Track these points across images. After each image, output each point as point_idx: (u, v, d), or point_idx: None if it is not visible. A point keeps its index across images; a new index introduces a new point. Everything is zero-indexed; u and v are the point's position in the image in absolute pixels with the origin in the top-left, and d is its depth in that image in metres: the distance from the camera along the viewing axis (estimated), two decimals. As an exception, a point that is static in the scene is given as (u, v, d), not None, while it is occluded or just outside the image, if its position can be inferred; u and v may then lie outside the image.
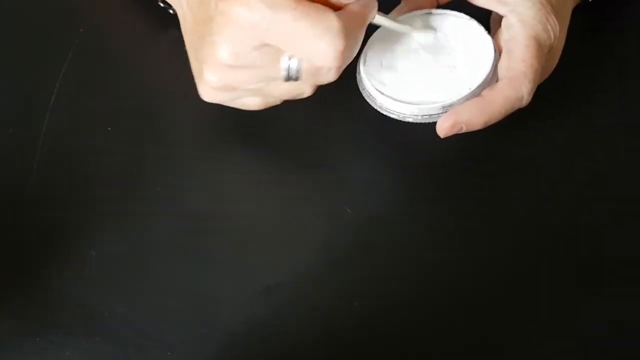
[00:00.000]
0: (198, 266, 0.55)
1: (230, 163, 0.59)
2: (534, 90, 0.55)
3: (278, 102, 0.56)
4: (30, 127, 0.61)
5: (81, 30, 0.65)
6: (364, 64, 0.57)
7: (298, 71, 0.51)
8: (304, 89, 0.53)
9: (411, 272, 0.55)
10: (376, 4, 0.53)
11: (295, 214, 0.57)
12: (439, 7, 0.59)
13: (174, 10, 0.61)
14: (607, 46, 0.63)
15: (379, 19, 0.54)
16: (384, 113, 0.56)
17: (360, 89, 0.57)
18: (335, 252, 0.55)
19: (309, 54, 0.49)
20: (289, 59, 0.50)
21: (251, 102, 0.55)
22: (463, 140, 0.58)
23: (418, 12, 0.58)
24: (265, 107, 0.56)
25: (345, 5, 0.51)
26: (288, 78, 0.51)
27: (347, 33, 0.49)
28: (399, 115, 0.55)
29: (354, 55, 0.52)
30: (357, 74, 0.57)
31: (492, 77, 0.56)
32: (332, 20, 0.49)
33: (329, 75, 0.51)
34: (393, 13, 0.59)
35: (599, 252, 0.55)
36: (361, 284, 0.54)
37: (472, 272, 0.54)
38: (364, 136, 0.59)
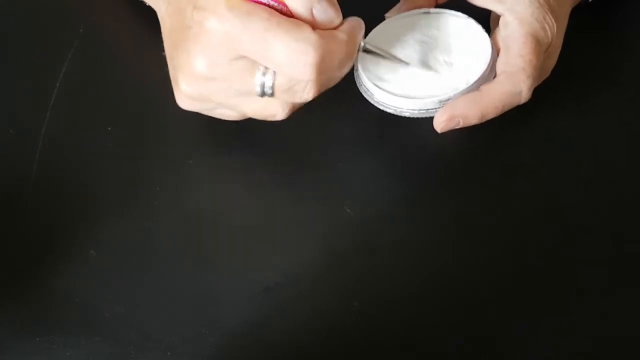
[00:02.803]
0: (198, 266, 0.55)
1: (230, 163, 0.59)
2: (534, 86, 0.55)
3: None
4: (30, 127, 0.61)
5: (81, 30, 0.65)
6: (362, 59, 0.57)
7: (272, 87, 0.50)
8: (276, 110, 0.52)
9: (411, 272, 0.55)
10: (363, 28, 0.52)
11: (295, 214, 0.57)
12: (437, 6, 0.59)
13: (148, 3, 0.61)
14: (606, 46, 0.63)
15: (373, 48, 0.54)
16: (381, 108, 0.56)
17: (358, 85, 0.57)
18: (335, 252, 0.55)
19: (281, 65, 0.49)
20: (264, 74, 0.50)
21: (228, 113, 0.55)
22: (463, 141, 0.58)
23: (416, 11, 0.58)
24: (242, 118, 0.55)
25: (329, 21, 0.50)
26: (262, 93, 0.51)
27: (326, 50, 0.48)
28: (395, 110, 0.55)
29: (339, 76, 0.51)
30: (354, 70, 0.57)
31: (490, 74, 0.56)
32: (305, 31, 0.48)
33: (305, 94, 0.50)
34: (391, 12, 0.59)
35: (600, 252, 0.55)
36: (361, 284, 0.54)
37: (472, 272, 0.54)
38: (364, 136, 0.59)
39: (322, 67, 0.49)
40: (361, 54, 0.55)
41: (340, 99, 0.58)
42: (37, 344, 0.53)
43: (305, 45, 0.48)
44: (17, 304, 0.54)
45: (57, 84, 0.62)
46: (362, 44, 0.53)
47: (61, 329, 0.53)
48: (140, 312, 0.53)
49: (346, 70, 0.52)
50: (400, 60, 0.56)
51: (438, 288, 0.54)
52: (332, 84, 0.51)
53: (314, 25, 0.49)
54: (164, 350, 0.52)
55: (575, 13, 0.59)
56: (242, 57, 0.49)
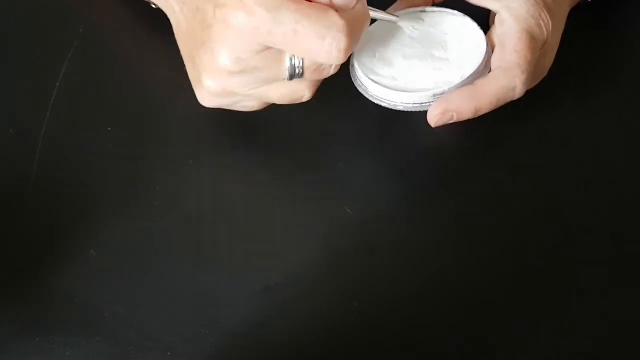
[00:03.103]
0: (198, 266, 0.55)
1: (230, 163, 0.59)
2: (528, 82, 0.55)
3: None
4: (30, 127, 0.61)
5: (81, 30, 0.65)
6: (358, 55, 0.57)
7: (301, 68, 0.51)
8: (304, 92, 0.53)
9: (411, 272, 0.55)
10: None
11: (295, 214, 0.57)
12: (434, 5, 0.59)
13: (156, 5, 0.61)
14: (606, 46, 0.63)
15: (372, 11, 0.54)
16: (376, 102, 0.56)
17: (353, 80, 0.57)
18: (335, 252, 0.55)
19: (313, 54, 0.49)
20: (292, 58, 0.50)
21: (250, 105, 0.55)
22: (463, 141, 0.58)
23: (413, 9, 0.58)
24: (264, 107, 0.56)
25: (346, 6, 0.50)
26: (292, 76, 0.51)
27: (353, 31, 0.49)
28: (389, 104, 0.56)
29: (354, 47, 0.52)
30: (350, 66, 0.57)
31: (485, 70, 0.56)
32: (334, 18, 0.49)
33: (332, 69, 0.52)
34: (389, 11, 0.59)
35: (600, 252, 0.55)
36: (361, 284, 0.54)
37: (473, 272, 0.54)
38: (364, 136, 0.60)
39: (351, 50, 0.50)
40: (355, 57, 0.56)
41: (340, 99, 0.58)
42: (37, 344, 0.53)
43: (336, 33, 0.49)
44: (17, 304, 0.54)
45: (57, 84, 0.62)
46: None
47: (61, 329, 0.53)
48: (140, 312, 0.53)
49: (359, 39, 0.53)
50: (390, 17, 0.56)
51: (438, 288, 0.54)
52: (350, 52, 0.52)
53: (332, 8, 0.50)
54: (164, 350, 0.52)
55: (574, 13, 0.59)
56: (269, 47, 0.50)
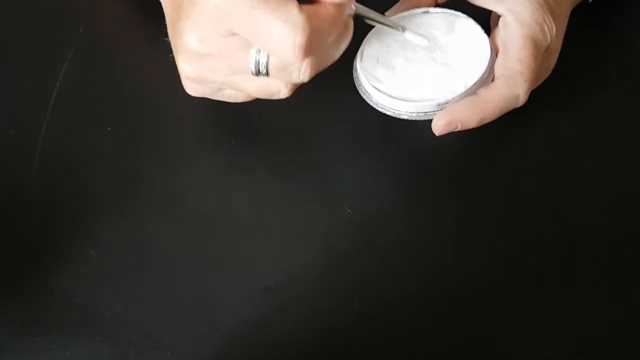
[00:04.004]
0: (198, 266, 0.55)
1: (230, 163, 0.59)
2: (530, 89, 0.55)
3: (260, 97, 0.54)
4: (30, 127, 0.61)
5: (81, 30, 0.65)
6: (361, 60, 0.57)
7: (266, 65, 0.49)
8: (278, 87, 0.52)
9: (411, 272, 0.55)
10: None
11: (295, 214, 0.57)
12: (436, 5, 0.59)
13: None
14: (607, 46, 0.63)
15: (365, 12, 0.53)
16: (380, 110, 0.56)
17: (357, 86, 0.57)
18: (335, 252, 0.55)
19: (268, 44, 0.48)
20: (258, 51, 0.49)
21: (232, 94, 0.54)
22: (464, 141, 0.58)
23: (415, 10, 0.58)
24: (249, 99, 0.55)
25: None
26: (257, 72, 0.50)
27: (314, 30, 0.47)
28: (394, 112, 0.56)
29: (336, 53, 0.51)
30: (353, 71, 0.57)
31: (488, 76, 0.56)
32: (292, 12, 0.47)
33: (301, 74, 0.50)
34: (390, 11, 0.59)
35: (599, 252, 0.55)
36: (361, 284, 0.54)
37: (473, 272, 0.54)
38: (364, 136, 0.59)
39: (311, 48, 0.48)
40: (359, 63, 0.56)
41: (340, 99, 0.58)
42: (37, 344, 0.53)
43: (292, 27, 0.47)
44: (17, 304, 0.54)
45: (57, 84, 0.62)
46: (353, 8, 0.51)
47: (61, 329, 0.53)
48: (140, 312, 0.53)
49: (343, 45, 0.51)
50: (393, 25, 0.55)
51: (438, 288, 0.54)
52: (329, 62, 0.51)
53: None
54: (164, 350, 0.52)
55: (575, 13, 0.59)
56: (235, 33, 0.49)
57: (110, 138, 0.60)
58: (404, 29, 0.56)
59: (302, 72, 0.50)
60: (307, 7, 0.48)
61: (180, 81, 0.54)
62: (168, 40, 0.54)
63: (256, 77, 0.51)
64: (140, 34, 0.65)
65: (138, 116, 0.62)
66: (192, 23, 0.49)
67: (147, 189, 0.58)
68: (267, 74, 0.50)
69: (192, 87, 0.54)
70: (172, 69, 0.56)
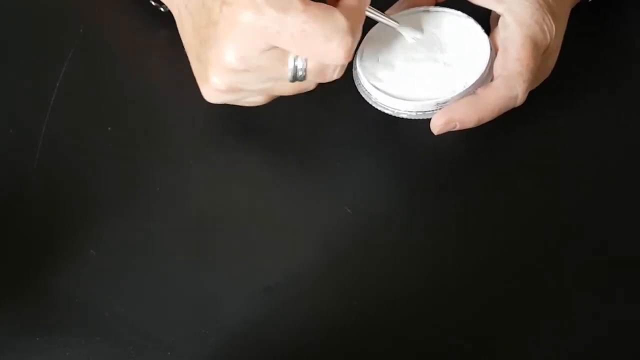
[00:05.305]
0: (198, 266, 0.55)
1: (230, 163, 0.59)
2: (529, 89, 0.55)
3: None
4: (30, 127, 0.61)
5: (81, 30, 0.65)
6: (361, 59, 0.57)
7: (304, 71, 0.51)
8: (308, 85, 0.54)
9: (411, 271, 0.55)
10: None
11: (295, 214, 0.57)
12: (437, 4, 0.59)
13: (165, 8, 0.61)
14: (606, 46, 0.63)
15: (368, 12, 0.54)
16: (379, 108, 0.56)
17: (356, 84, 0.57)
18: (335, 252, 0.55)
19: (320, 55, 0.50)
20: (295, 59, 0.51)
21: (256, 100, 0.56)
22: (464, 140, 0.58)
23: (415, 9, 0.58)
24: (269, 101, 0.56)
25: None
26: (294, 79, 0.51)
27: (355, 31, 0.50)
28: (393, 111, 0.56)
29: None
30: (353, 69, 0.57)
31: (488, 76, 0.56)
32: (340, 19, 0.49)
33: (335, 74, 0.52)
34: (391, 10, 0.59)
35: (601, 253, 0.55)
36: (361, 284, 0.54)
37: (473, 272, 0.54)
38: (364, 136, 0.59)
39: (354, 47, 0.50)
40: (358, 62, 0.56)
41: (340, 99, 0.58)
42: (37, 344, 0.53)
43: (341, 36, 0.49)
44: (17, 304, 0.54)
45: (57, 84, 0.62)
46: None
47: (61, 329, 0.53)
48: (140, 312, 0.53)
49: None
50: (386, 19, 0.56)
51: (438, 288, 0.54)
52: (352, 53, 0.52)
53: None
54: (164, 350, 0.52)
55: (574, 12, 0.59)
56: (274, 47, 0.50)
57: (110, 138, 0.60)
58: (397, 23, 0.56)
59: (337, 72, 0.52)
60: (345, 11, 0.50)
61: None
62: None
63: (287, 83, 0.52)
64: (141, 34, 0.65)
65: (138, 116, 0.62)
66: (233, 42, 0.50)
67: (147, 189, 0.58)
68: (304, 78, 0.51)
69: (216, 97, 0.54)
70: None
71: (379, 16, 0.56)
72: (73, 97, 0.62)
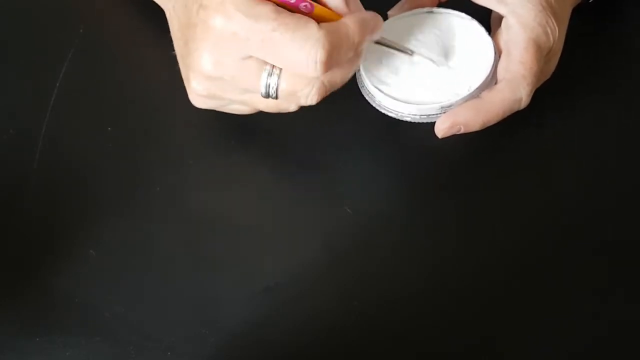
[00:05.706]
0: (198, 266, 0.55)
1: (230, 163, 0.59)
2: (533, 92, 0.55)
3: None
4: (30, 127, 0.61)
5: (81, 30, 0.65)
6: (364, 61, 0.57)
7: (276, 90, 0.50)
8: (287, 106, 0.53)
9: (411, 271, 0.55)
10: (381, 22, 0.52)
11: (295, 214, 0.57)
12: (440, 5, 0.59)
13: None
14: (607, 46, 0.63)
15: (382, 40, 0.54)
16: (382, 111, 0.56)
17: (360, 87, 0.57)
18: (335, 252, 0.55)
19: (289, 64, 0.49)
20: (269, 76, 0.50)
21: (240, 108, 0.55)
22: (464, 141, 0.58)
23: (419, 10, 0.58)
24: (255, 112, 0.55)
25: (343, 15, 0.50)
26: (267, 95, 0.51)
27: (333, 46, 0.48)
28: (397, 114, 0.56)
29: (344, 78, 0.51)
30: (356, 72, 0.57)
31: (492, 79, 0.56)
32: (312, 29, 0.48)
33: (309, 99, 0.51)
34: (393, 10, 0.59)
35: (601, 253, 0.55)
36: (361, 284, 0.54)
37: (473, 272, 0.55)
38: (364, 136, 0.59)
39: (330, 64, 0.49)
40: (362, 64, 0.56)
41: (341, 99, 0.58)
42: (37, 344, 0.53)
43: (313, 44, 0.48)
44: (17, 304, 0.54)
45: (57, 84, 0.62)
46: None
47: (61, 329, 0.53)
48: (140, 312, 0.53)
49: (351, 71, 0.52)
50: (403, 49, 0.56)
51: (438, 288, 0.54)
52: (336, 86, 0.51)
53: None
54: (164, 350, 0.52)
55: (575, 13, 0.59)
56: (250, 56, 0.49)
57: (110, 138, 0.60)
58: (412, 53, 0.56)
59: (310, 97, 0.51)
60: (326, 25, 0.49)
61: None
62: (173, 52, 0.54)
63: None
64: (140, 34, 0.65)
65: (138, 116, 0.62)
66: (208, 47, 0.49)
67: (147, 189, 0.58)
68: (276, 97, 0.51)
69: (200, 102, 0.54)
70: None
71: (393, 45, 0.55)
72: (73, 97, 0.62)
